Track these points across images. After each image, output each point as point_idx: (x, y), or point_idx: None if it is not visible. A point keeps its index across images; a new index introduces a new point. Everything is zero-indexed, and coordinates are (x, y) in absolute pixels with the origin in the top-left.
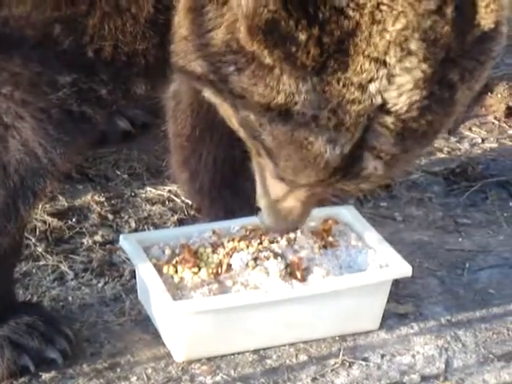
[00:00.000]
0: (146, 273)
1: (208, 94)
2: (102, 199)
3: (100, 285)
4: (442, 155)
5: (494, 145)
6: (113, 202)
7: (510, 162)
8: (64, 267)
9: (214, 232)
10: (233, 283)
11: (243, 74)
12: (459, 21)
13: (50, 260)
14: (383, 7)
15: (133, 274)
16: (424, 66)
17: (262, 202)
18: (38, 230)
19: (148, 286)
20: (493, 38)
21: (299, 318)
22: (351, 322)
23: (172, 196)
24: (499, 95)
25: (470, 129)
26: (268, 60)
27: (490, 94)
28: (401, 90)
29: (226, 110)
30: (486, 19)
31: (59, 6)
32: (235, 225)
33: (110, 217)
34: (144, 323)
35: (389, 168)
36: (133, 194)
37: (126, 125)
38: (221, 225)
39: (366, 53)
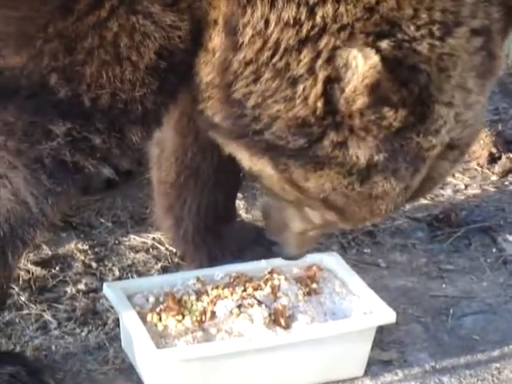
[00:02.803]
0: (129, 321)
1: (231, 149)
2: (86, 247)
3: (83, 333)
4: (426, 201)
5: (477, 191)
6: (96, 250)
7: (493, 208)
8: (47, 316)
9: (198, 279)
10: (217, 331)
11: (318, 145)
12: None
13: (34, 309)
14: (445, 56)
15: (116, 323)
16: (482, 100)
17: (286, 235)
18: (21, 279)
19: (132, 335)
20: None
21: (284, 366)
22: (336, 369)
23: (156, 243)
24: (482, 141)
25: (453, 175)
26: (357, 124)
27: None
28: (465, 125)
29: (255, 165)
30: None
31: (56, 56)
32: (219, 272)
33: (94, 265)
34: (128, 372)
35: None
36: (116, 241)
37: (109, 172)
38: (205, 272)
39: (440, 100)
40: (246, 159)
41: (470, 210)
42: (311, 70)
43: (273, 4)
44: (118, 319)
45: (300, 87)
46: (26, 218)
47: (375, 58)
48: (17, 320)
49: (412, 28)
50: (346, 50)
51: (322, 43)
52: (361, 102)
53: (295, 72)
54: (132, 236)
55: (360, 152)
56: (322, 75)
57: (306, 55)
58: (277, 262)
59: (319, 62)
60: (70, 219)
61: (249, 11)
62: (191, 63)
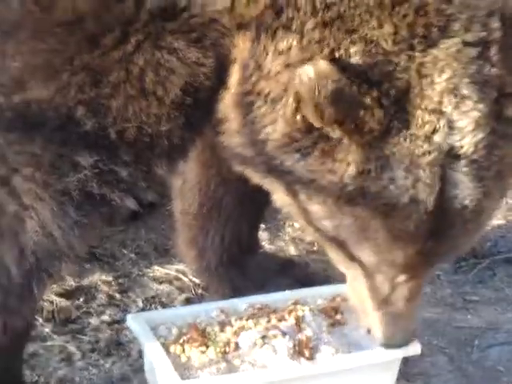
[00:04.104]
0: (153, 352)
1: (264, 182)
2: (110, 278)
3: (107, 365)
4: None
5: (502, 222)
6: (120, 281)
7: None
8: (71, 347)
9: (221, 311)
10: (241, 362)
11: (310, 157)
12: (508, 59)
13: (57, 340)
14: (427, 64)
15: (140, 354)
16: (480, 106)
17: (371, 317)
18: (45, 310)
19: (155, 366)
20: None
21: None
22: None
23: (179, 275)
24: None
25: None
26: (336, 133)
27: None
28: (463, 132)
29: (297, 213)
30: None
31: (83, 88)
32: (243, 303)
33: (118, 296)
34: None
35: (476, 218)
36: (140, 273)
37: (133, 204)
38: (228, 303)
39: (423, 106)
40: (268, 186)
41: (495, 241)
42: (284, 89)
43: (273, 36)
44: (142, 350)
45: (278, 107)
46: (52, 251)
47: (326, 67)
48: (41, 351)
49: (389, 43)
50: (301, 66)
51: (294, 60)
52: (328, 112)
53: (275, 94)
54: (155, 267)
55: (350, 158)
56: (290, 92)
57: (283, 76)
58: (301, 292)
59: (290, 80)
60: (93, 250)
61: (255, 45)
62: (216, 99)
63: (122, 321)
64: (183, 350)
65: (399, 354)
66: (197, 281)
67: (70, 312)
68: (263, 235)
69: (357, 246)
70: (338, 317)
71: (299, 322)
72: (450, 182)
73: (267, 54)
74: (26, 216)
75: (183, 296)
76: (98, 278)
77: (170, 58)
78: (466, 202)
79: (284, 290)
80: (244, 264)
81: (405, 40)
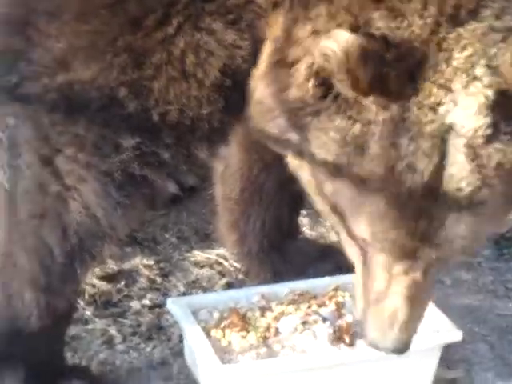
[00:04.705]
0: (194, 336)
1: (289, 159)
2: (151, 262)
3: (148, 349)
4: None
5: None
6: (161, 265)
7: None
8: (112, 331)
9: (262, 296)
10: (281, 347)
11: (322, 116)
12: None
13: (99, 324)
14: (450, 40)
15: (181, 338)
16: (487, 92)
17: (362, 309)
18: (87, 294)
19: (196, 350)
20: None
21: (348, 383)
22: None
23: (220, 259)
24: None
25: None
26: (351, 93)
27: None
28: (466, 112)
29: (308, 181)
30: None
31: (125, 70)
32: (283, 288)
33: (159, 280)
34: None
35: (474, 209)
36: (181, 257)
37: (174, 188)
38: (269, 289)
39: (434, 79)
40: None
41: None
42: (304, 55)
43: (305, 6)
44: (182, 335)
45: (293, 71)
46: (95, 231)
47: (349, 36)
48: (82, 334)
49: (416, 17)
50: (327, 34)
51: (321, 27)
52: (360, 76)
53: (293, 58)
54: (196, 252)
55: (359, 118)
56: (307, 59)
57: (307, 41)
58: (341, 278)
59: (311, 47)
60: (135, 234)
61: (288, 17)
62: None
63: (162, 305)
64: (224, 335)
65: (440, 340)
66: (237, 265)
67: (112, 295)
68: (304, 221)
69: (353, 219)
70: None
71: (340, 307)
72: (448, 158)
73: (297, 23)
74: (68, 197)
75: (224, 280)
76: (139, 262)
77: (209, 39)
78: (462, 184)
79: (324, 275)
80: (285, 249)
81: (431, 16)
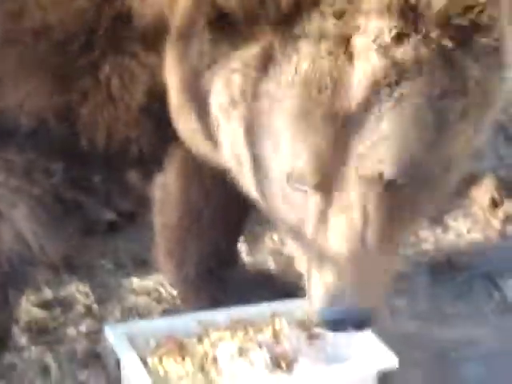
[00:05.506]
0: (130, 364)
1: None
2: (87, 289)
3: (84, 377)
4: (428, 246)
5: (480, 236)
6: (98, 291)
7: (495, 253)
8: (48, 358)
9: (199, 322)
10: (218, 374)
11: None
12: None
13: (34, 351)
14: None
15: (118, 365)
16: None
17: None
18: (22, 321)
19: (132, 378)
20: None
21: None
22: None
23: (157, 286)
24: (484, 187)
25: (455, 220)
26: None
27: (475, 185)
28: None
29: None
30: None
31: (52, 94)
32: (221, 315)
33: (95, 307)
34: None
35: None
36: (118, 283)
37: (111, 215)
38: (206, 315)
39: None
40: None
41: (473, 255)
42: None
43: None
44: (119, 362)
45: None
46: (26, 256)
47: None
48: (17, 362)
49: None
50: None
51: None
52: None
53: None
54: (134, 279)
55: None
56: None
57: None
58: (279, 305)
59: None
60: (71, 261)
61: None
62: None
63: (99, 332)
64: (161, 362)
65: (375, 366)
66: (175, 292)
67: (47, 322)
68: (242, 247)
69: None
70: (316, 330)
71: (277, 334)
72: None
73: None
74: (0, 222)
75: (161, 307)
76: (76, 289)
77: (132, 62)
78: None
79: (262, 302)
80: (222, 276)
81: None
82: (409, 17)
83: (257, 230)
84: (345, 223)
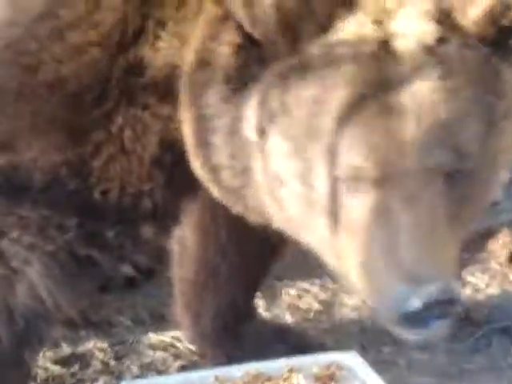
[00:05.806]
0: None
1: None
2: (105, 345)
3: None
4: None
5: (497, 291)
6: (115, 348)
7: None
8: None
9: (216, 378)
10: None
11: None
12: None
13: None
14: None
15: None
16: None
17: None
18: (39, 378)
19: None
20: None
21: None
22: None
23: (175, 342)
24: (501, 241)
25: (472, 274)
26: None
27: (492, 239)
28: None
29: None
30: None
31: (65, 148)
32: (238, 370)
33: (113, 363)
34: None
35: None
36: (136, 340)
37: (129, 270)
38: (223, 371)
39: None
40: None
41: (491, 310)
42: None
43: None
44: None
45: None
46: (40, 313)
47: None
48: None
49: None
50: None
51: None
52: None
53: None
54: (151, 334)
55: None
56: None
57: None
58: (296, 360)
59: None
60: (89, 317)
61: None
62: None
63: None
64: None
65: None
66: (192, 348)
67: (65, 379)
68: (259, 302)
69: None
70: None
71: None
72: None
73: None
74: (14, 279)
75: (178, 363)
76: (93, 345)
77: (145, 114)
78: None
79: (279, 357)
80: (239, 331)
81: None
82: (447, 23)
83: (274, 285)
84: (410, 216)
